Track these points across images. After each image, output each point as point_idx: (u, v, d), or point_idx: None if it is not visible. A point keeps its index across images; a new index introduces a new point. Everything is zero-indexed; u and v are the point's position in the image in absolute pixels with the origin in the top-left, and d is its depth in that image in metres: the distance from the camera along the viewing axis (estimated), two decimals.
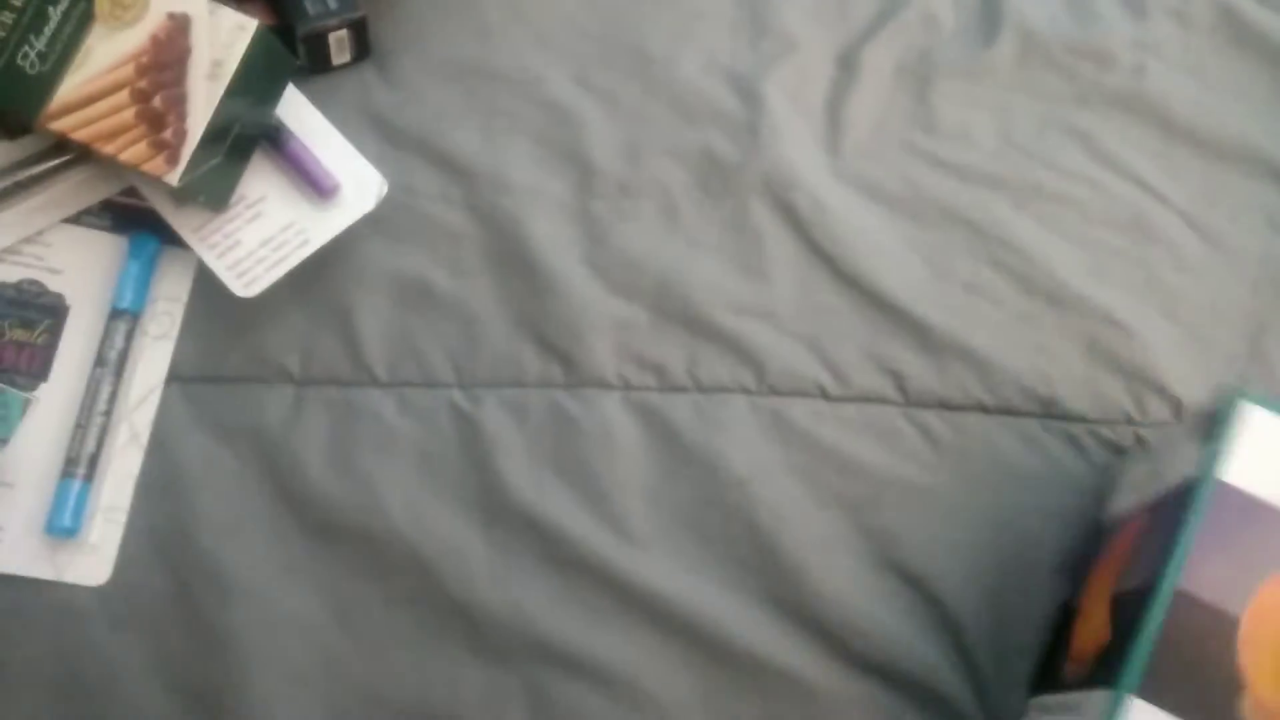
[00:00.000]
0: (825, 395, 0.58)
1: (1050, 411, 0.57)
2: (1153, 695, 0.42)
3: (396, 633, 0.52)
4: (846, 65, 0.64)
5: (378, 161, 0.59)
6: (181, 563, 0.53)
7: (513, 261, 0.59)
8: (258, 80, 0.53)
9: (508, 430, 0.56)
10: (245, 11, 0.58)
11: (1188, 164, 0.63)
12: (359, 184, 0.57)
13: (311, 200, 0.56)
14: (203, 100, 0.51)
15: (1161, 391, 0.58)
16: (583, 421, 0.56)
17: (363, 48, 0.61)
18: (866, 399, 0.58)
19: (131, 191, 0.57)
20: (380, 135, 0.61)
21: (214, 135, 0.52)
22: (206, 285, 0.56)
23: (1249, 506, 0.44)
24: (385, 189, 0.57)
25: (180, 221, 0.55)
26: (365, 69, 0.62)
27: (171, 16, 0.51)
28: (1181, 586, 0.43)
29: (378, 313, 0.57)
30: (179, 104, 0.51)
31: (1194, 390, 0.58)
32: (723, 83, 0.63)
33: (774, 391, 0.58)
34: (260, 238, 0.55)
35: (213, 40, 0.52)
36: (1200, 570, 0.43)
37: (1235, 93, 0.65)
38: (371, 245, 0.58)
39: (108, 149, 0.51)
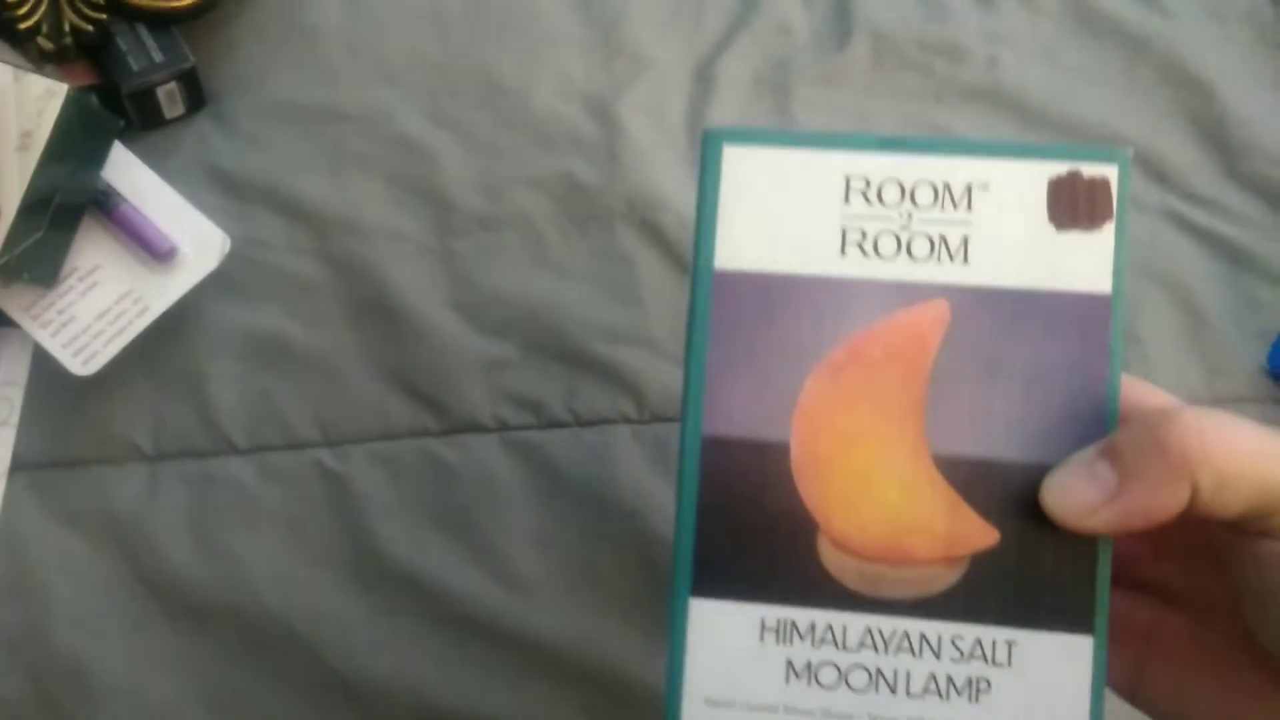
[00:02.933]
0: None
1: None
2: (713, 588, 0.32)
3: (276, 716, 0.50)
4: (703, 79, 0.63)
5: (221, 216, 0.56)
6: (40, 666, 0.49)
7: (373, 309, 0.56)
8: (76, 146, 0.50)
9: (380, 486, 0.53)
10: (67, 73, 0.55)
11: None
12: (199, 243, 0.54)
13: (149, 265, 0.53)
14: (14, 174, 0.48)
15: None
16: (459, 469, 0.54)
17: (196, 98, 0.58)
18: None
19: None
20: (222, 188, 0.58)
21: (31, 209, 0.49)
22: (46, 365, 0.53)
23: (759, 290, 0.33)
24: (228, 245, 0.54)
25: (8, 301, 0.52)
26: (201, 120, 0.59)
27: None
28: (707, 433, 0.33)
29: (232, 376, 0.54)
30: None
31: None
32: (579, 107, 0.61)
33: (656, 417, 0.56)
34: (96, 310, 0.52)
35: (21, 110, 0.48)
36: (722, 401, 0.33)
37: (1089, 77, 0.65)
38: (221, 306, 0.55)
39: None
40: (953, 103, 0.64)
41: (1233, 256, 0.61)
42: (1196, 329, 0.60)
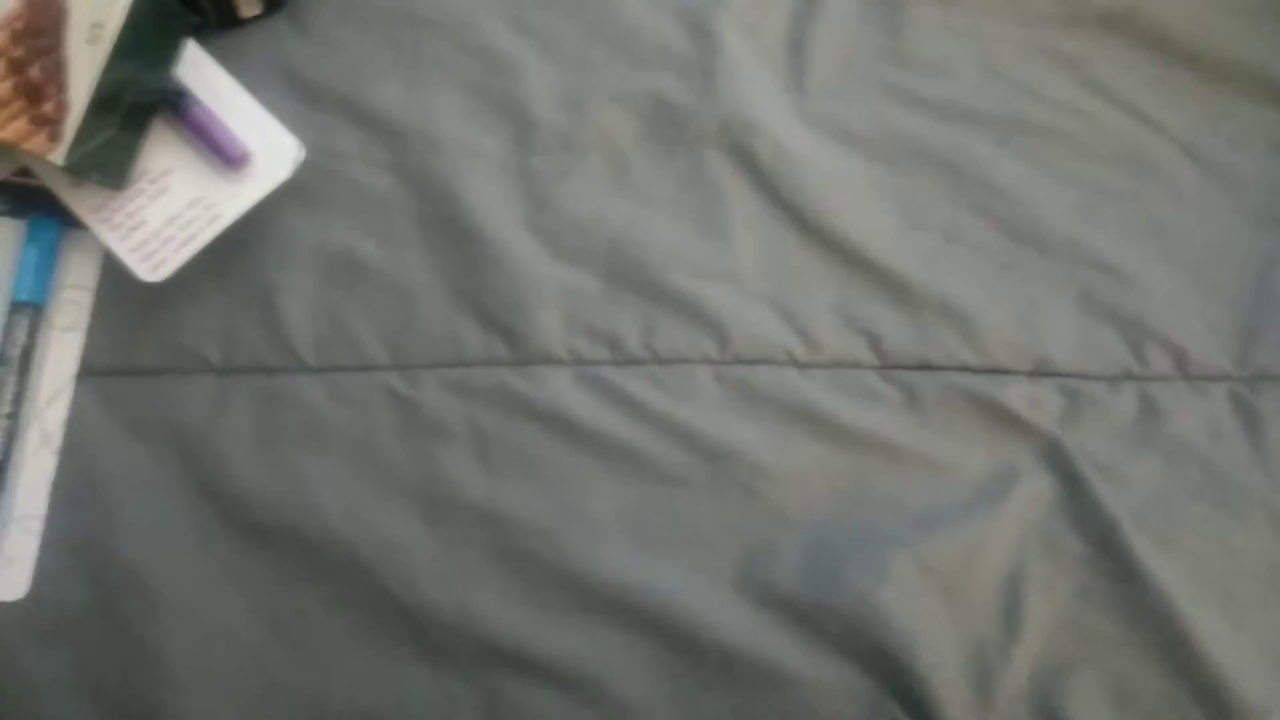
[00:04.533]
0: (795, 361, 0.53)
1: (1041, 369, 0.53)
2: None
3: (337, 639, 0.49)
4: None
5: (295, 124, 0.53)
6: (103, 573, 0.49)
7: (448, 229, 0.54)
8: (147, 42, 0.48)
9: (450, 414, 0.51)
10: None
11: (1186, 89, 0.57)
12: (273, 151, 0.52)
13: (221, 171, 0.51)
14: (84, 68, 0.46)
15: (1164, 341, 0.53)
16: (532, 401, 0.52)
17: None
18: (840, 363, 0.53)
19: (28, 171, 0.52)
20: (297, 94, 0.55)
21: (101, 106, 0.47)
22: (115, 271, 0.51)
23: None
24: (302, 155, 0.52)
25: (78, 202, 0.50)
26: (278, 21, 0.56)
27: None
28: None
29: (302, 292, 0.52)
30: (58, 73, 0.46)
31: (1197, 339, 0.53)
32: (672, 20, 0.57)
33: (739, 360, 0.53)
34: (166, 216, 0.50)
35: (91, 3, 0.46)
36: None
37: (1236, 9, 0.59)
38: (292, 217, 0.53)
39: None
40: (1085, 31, 0.58)
41: None
42: None
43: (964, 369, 0.53)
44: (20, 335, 0.50)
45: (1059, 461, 0.51)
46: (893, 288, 0.54)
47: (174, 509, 0.50)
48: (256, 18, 0.56)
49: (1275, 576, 0.51)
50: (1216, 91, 0.58)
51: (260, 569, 0.49)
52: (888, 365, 0.53)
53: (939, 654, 0.49)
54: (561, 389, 0.52)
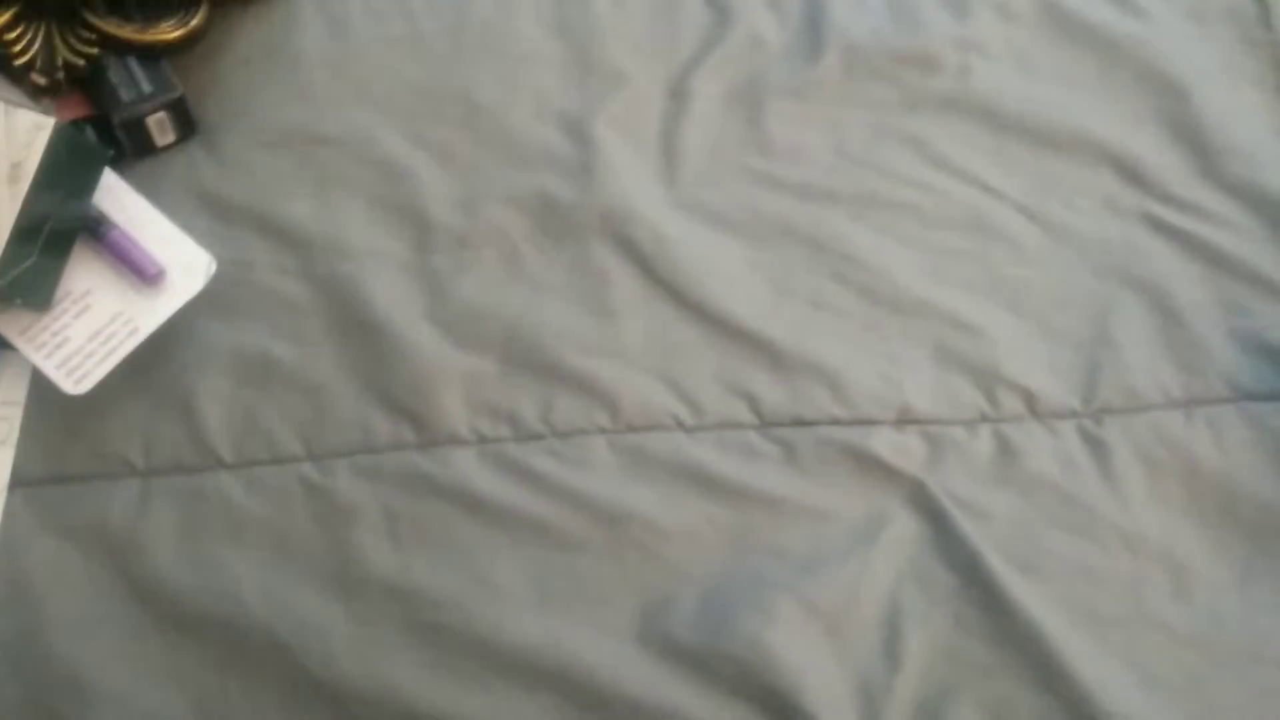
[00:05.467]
0: (682, 426, 0.58)
1: (905, 418, 0.58)
2: None
3: (262, 719, 0.51)
4: (677, 95, 0.64)
5: (211, 239, 0.58)
6: (35, 670, 0.51)
7: (355, 326, 0.58)
8: (65, 175, 0.53)
9: (362, 498, 0.55)
10: (61, 105, 0.57)
11: (1021, 157, 0.64)
12: (187, 265, 0.56)
13: (138, 287, 0.55)
14: (5, 204, 0.51)
15: (1014, 385, 0.59)
16: (439, 480, 0.56)
17: (186, 126, 0.61)
18: (723, 425, 0.58)
19: None
20: (212, 212, 0.60)
21: (23, 236, 0.51)
22: (43, 385, 0.55)
23: None
24: (214, 268, 0.57)
25: (4, 325, 0.54)
26: (192, 147, 0.62)
27: None
28: None
29: (219, 393, 0.56)
30: None
31: (1044, 381, 0.59)
32: (554, 125, 0.63)
33: (631, 428, 0.57)
34: (89, 331, 0.54)
35: (10, 142, 0.51)
36: None
37: (1064, 82, 0.66)
38: (209, 325, 0.58)
39: None
40: (925, 112, 0.65)
41: (1209, 258, 0.61)
42: (1171, 330, 0.60)
43: (835, 422, 0.57)
44: None
45: (925, 502, 0.56)
46: (766, 353, 0.58)
47: (103, 605, 0.53)
48: (171, 145, 0.61)
49: (1133, 595, 0.55)
50: (1049, 158, 0.64)
51: (186, 656, 0.52)
52: (766, 424, 0.58)
53: (826, 690, 0.52)
54: (466, 467, 0.56)
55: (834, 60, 0.65)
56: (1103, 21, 0.67)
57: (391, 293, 0.59)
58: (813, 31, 0.66)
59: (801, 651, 0.53)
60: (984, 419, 0.58)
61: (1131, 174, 0.64)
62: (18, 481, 0.55)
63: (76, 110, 0.58)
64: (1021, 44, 0.67)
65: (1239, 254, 0.61)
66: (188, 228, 0.58)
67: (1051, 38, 0.67)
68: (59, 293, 0.55)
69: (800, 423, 0.58)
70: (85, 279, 0.55)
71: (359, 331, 0.58)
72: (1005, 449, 0.57)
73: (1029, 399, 0.58)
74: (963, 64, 0.65)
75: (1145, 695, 0.53)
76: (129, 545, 0.54)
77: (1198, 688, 0.54)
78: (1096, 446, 0.58)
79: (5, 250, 0.51)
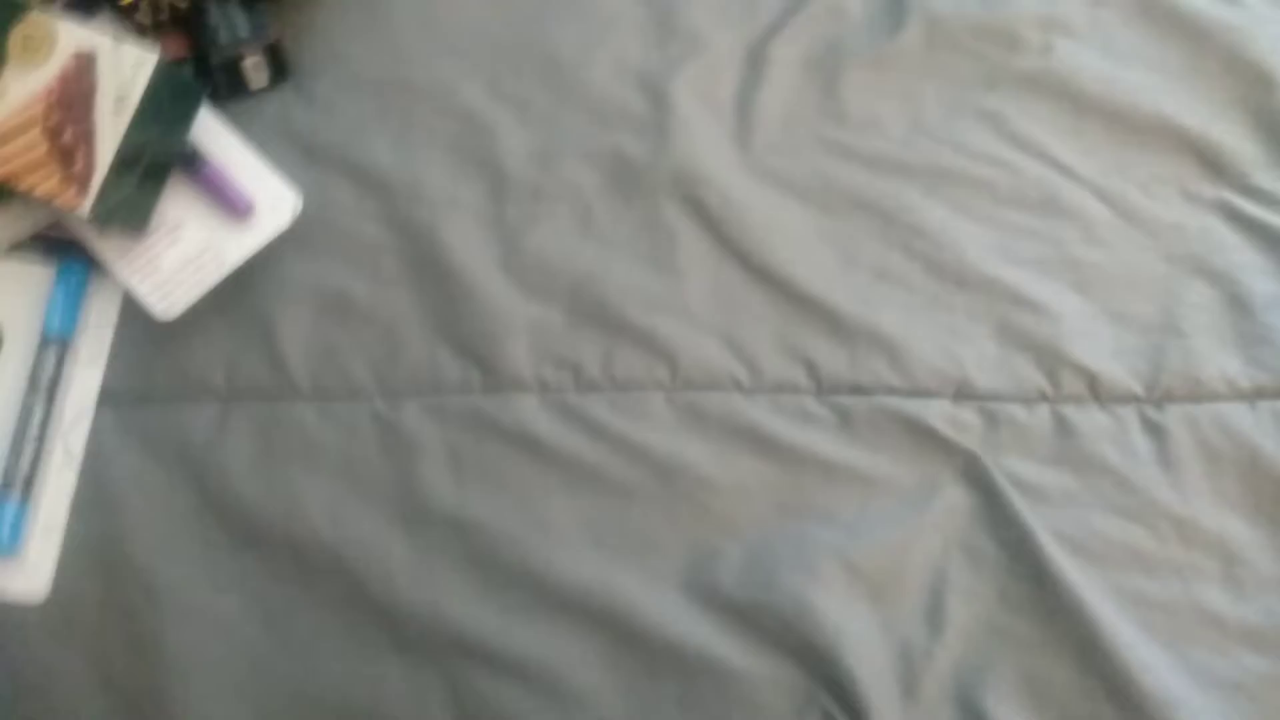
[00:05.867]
0: (740, 387, 0.59)
1: (963, 392, 0.58)
2: None
3: (321, 634, 0.54)
4: (755, 61, 0.65)
5: (295, 179, 0.60)
6: (115, 575, 0.55)
7: (430, 270, 0.60)
8: (165, 110, 0.55)
9: (427, 436, 0.57)
10: (162, 43, 0.60)
11: (1099, 139, 0.63)
12: (274, 203, 0.59)
13: (228, 221, 0.58)
14: (109, 133, 0.53)
15: (1076, 366, 0.58)
16: (501, 423, 0.58)
17: (280, 70, 0.63)
18: (780, 388, 0.59)
19: (58, 226, 0.59)
20: (299, 153, 0.62)
21: (123, 165, 0.54)
22: (135, 308, 0.58)
23: None
24: (299, 206, 0.59)
25: (103, 248, 0.57)
26: (284, 90, 0.64)
27: (78, 55, 0.53)
28: None
29: (299, 326, 0.59)
30: (87, 138, 0.53)
31: (1108, 364, 0.58)
32: (632, 85, 0.64)
33: (689, 386, 0.59)
34: (179, 260, 0.57)
35: (116, 75, 0.53)
36: None
37: (1146, 65, 0.65)
38: (292, 261, 0.60)
39: (23, 184, 0.53)
40: (1004, 89, 0.64)
41: None
42: (1240, 321, 0.59)
43: (892, 392, 0.58)
44: (49, 366, 0.57)
45: (978, 476, 0.56)
46: (828, 319, 0.59)
47: (180, 518, 0.56)
48: (264, 87, 0.63)
49: (1183, 583, 0.55)
50: (1127, 141, 0.63)
51: (255, 571, 0.55)
52: (823, 390, 0.58)
53: (866, 651, 0.53)
54: (528, 412, 0.58)
55: (915, 32, 0.65)
56: (1194, 7, 0.66)
57: (466, 240, 0.61)
58: (895, 2, 0.66)
59: (843, 612, 0.54)
60: (1044, 398, 0.58)
61: (1211, 162, 0.63)
62: (107, 398, 0.58)
63: (177, 50, 0.61)
64: (1108, 25, 0.66)
65: None
66: (276, 167, 0.60)
67: (1139, 20, 0.66)
68: (154, 221, 0.57)
69: (857, 390, 0.58)
70: (179, 210, 0.58)
71: (433, 275, 0.60)
72: (1063, 429, 0.57)
73: (1091, 381, 0.58)
74: (1046, 42, 0.65)
75: (1188, 683, 0.53)
76: (207, 463, 0.56)
77: (1243, 680, 0.54)
78: (1156, 433, 0.57)
79: (107, 177, 0.53)
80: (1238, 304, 0.59)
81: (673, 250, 0.61)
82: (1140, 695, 0.52)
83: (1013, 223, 0.61)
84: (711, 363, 0.59)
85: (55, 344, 0.57)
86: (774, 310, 0.60)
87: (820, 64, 0.65)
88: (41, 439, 0.56)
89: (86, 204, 0.53)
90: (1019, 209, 0.62)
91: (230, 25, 0.61)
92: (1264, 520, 0.56)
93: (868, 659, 0.53)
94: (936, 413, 0.57)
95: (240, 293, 0.59)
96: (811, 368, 0.59)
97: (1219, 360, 0.58)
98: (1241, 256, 0.60)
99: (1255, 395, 0.58)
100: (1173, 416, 0.58)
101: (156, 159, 0.56)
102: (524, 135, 0.63)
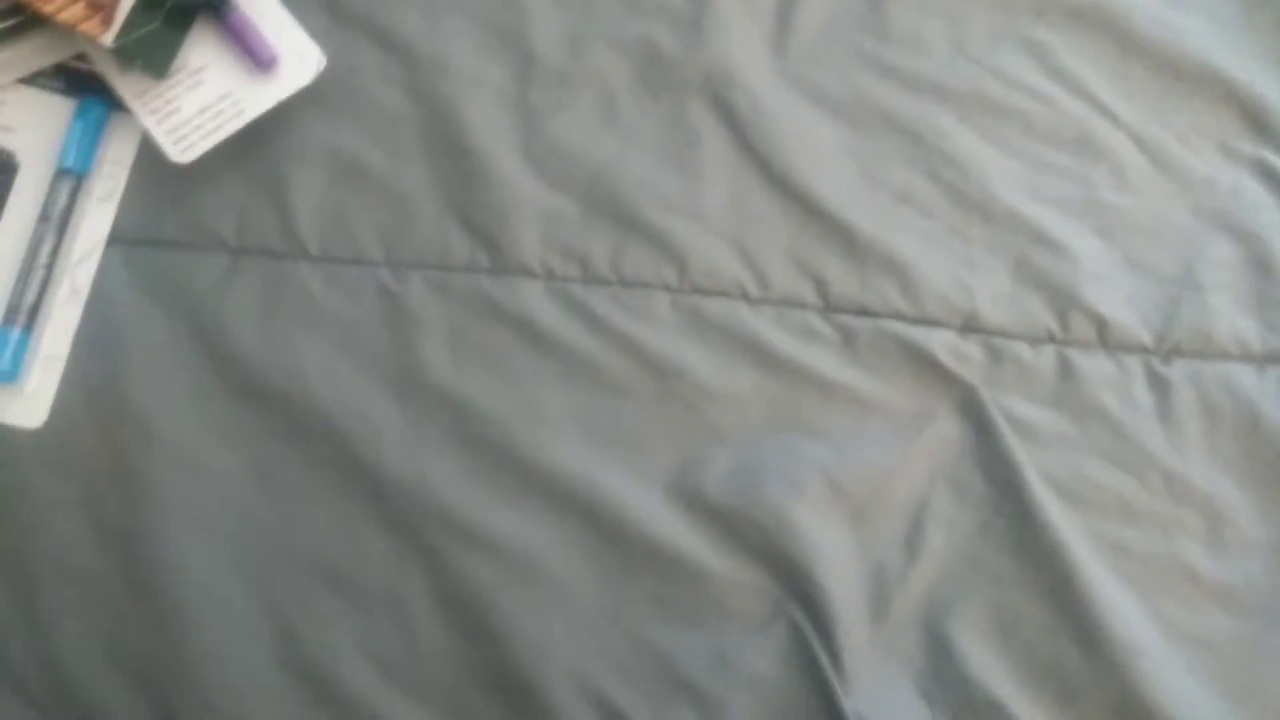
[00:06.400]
0: (746, 296, 0.58)
1: (970, 325, 0.58)
2: None
3: (308, 492, 0.55)
4: None
5: (322, 38, 0.59)
6: (112, 414, 0.55)
7: (448, 146, 0.59)
8: None
9: (431, 311, 0.57)
10: None
11: (1143, 82, 0.62)
12: (298, 58, 0.58)
13: (250, 72, 0.57)
14: None
15: (1088, 310, 0.58)
16: (505, 307, 0.57)
17: None
18: (787, 302, 0.58)
19: (84, 56, 0.58)
20: (327, 11, 0.61)
21: (149, 4, 0.53)
22: (150, 151, 0.58)
23: None
24: (323, 65, 0.58)
25: (123, 86, 0.57)
26: None
27: None
28: None
29: (312, 187, 0.58)
30: None
31: (1120, 312, 0.58)
32: None
33: (696, 290, 0.58)
34: (199, 105, 0.57)
35: None
36: None
37: (1201, 11, 0.63)
38: (310, 120, 0.59)
39: (47, 8, 0.53)
40: (1053, 20, 0.62)
41: None
42: (1262, 283, 0.58)
43: (899, 317, 0.58)
44: (62, 198, 0.57)
45: (974, 410, 0.56)
46: (843, 238, 0.58)
47: (179, 364, 0.56)
48: None
49: (1166, 537, 0.55)
50: (1171, 87, 0.62)
51: (248, 423, 0.55)
52: (830, 308, 0.58)
53: (841, 568, 0.54)
54: (532, 299, 0.58)
55: None
56: None
57: (487, 120, 0.60)
58: None
59: (823, 528, 0.54)
60: (1051, 339, 0.58)
61: (1254, 118, 0.61)
62: (116, 238, 0.58)
63: None
64: None
65: None
66: (304, 24, 0.59)
67: None
68: (176, 64, 0.57)
69: (864, 312, 0.58)
70: (202, 55, 0.57)
71: (450, 152, 0.59)
72: (1067, 372, 0.57)
73: (1101, 326, 0.58)
74: None
75: (1157, 633, 0.54)
76: (211, 314, 0.57)
77: (1211, 638, 0.54)
78: (1160, 386, 0.57)
79: (133, 9, 0.53)
80: (1261, 265, 0.58)
81: (694, 151, 0.60)
82: (1107, 640, 0.53)
83: (1044, 159, 0.60)
84: (720, 269, 0.58)
85: (70, 177, 0.57)
86: (790, 222, 0.59)
87: None
88: (49, 271, 0.56)
89: (110, 34, 0.53)
90: (1052, 145, 0.60)
91: None
92: (1256, 484, 0.56)
93: (841, 576, 0.54)
94: (941, 343, 0.57)
95: (256, 147, 0.58)
96: (821, 284, 0.58)
97: (1234, 320, 0.57)
98: (1272, 217, 0.59)
99: (1266, 359, 0.57)
100: (1179, 371, 0.57)
101: (181, 1, 0.55)
102: (556, 17, 0.61)
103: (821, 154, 0.60)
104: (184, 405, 0.55)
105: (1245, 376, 0.57)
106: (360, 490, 0.55)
